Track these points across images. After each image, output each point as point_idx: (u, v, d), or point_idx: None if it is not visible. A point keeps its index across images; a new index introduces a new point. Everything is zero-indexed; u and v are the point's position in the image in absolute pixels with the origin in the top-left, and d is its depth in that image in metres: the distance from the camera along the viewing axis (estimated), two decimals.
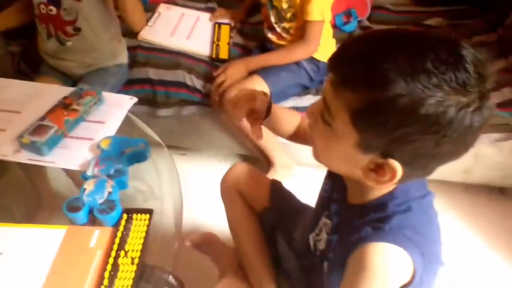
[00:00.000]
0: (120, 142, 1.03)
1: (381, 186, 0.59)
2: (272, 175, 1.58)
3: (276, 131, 0.91)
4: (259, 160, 1.66)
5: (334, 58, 0.57)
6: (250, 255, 0.97)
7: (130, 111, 1.14)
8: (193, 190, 1.63)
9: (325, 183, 0.83)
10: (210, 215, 1.57)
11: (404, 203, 0.62)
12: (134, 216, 0.89)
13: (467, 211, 1.66)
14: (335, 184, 0.76)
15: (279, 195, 1.01)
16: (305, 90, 1.61)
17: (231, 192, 1.03)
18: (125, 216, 0.88)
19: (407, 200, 0.62)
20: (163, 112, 1.61)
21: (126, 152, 1.00)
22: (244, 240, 0.98)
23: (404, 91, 0.49)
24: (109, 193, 0.90)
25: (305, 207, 1.03)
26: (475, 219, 1.64)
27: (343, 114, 0.56)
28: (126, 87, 1.60)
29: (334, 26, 1.82)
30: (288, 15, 1.52)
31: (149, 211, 0.90)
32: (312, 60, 1.57)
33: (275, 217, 0.98)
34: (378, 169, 0.58)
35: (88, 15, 1.42)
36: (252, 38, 1.80)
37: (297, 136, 0.91)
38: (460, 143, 0.54)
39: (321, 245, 0.76)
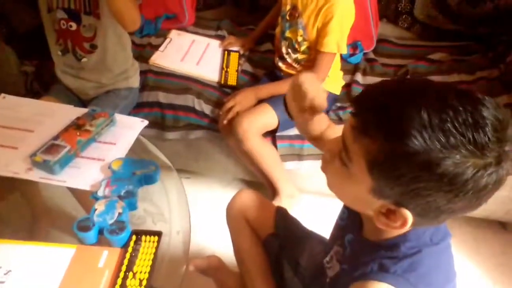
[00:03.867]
0: (131, 164, 1.04)
1: (390, 230, 0.61)
2: (277, 204, 1.58)
3: (306, 129, 0.92)
4: (264, 187, 1.68)
5: (357, 102, 0.58)
6: (255, 281, 0.97)
7: (139, 133, 1.17)
8: (197, 214, 1.63)
9: (342, 211, 0.83)
10: (214, 239, 1.57)
11: (416, 247, 0.63)
12: (143, 238, 0.90)
13: (469, 245, 1.65)
14: (352, 214, 0.77)
15: (284, 221, 1.02)
16: None
17: (238, 219, 1.04)
18: (134, 237, 0.89)
19: (419, 244, 0.63)
20: (171, 135, 1.63)
21: (137, 174, 1.01)
22: (250, 267, 0.99)
23: (422, 148, 0.50)
24: (119, 214, 0.91)
25: (310, 233, 1.04)
26: (477, 253, 1.63)
27: (360, 160, 0.56)
28: (136, 110, 1.63)
29: (340, 57, 1.86)
30: (303, 48, 1.56)
31: (158, 233, 0.91)
32: None
33: (281, 243, 0.99)
34: (389, 214, 0.59)
35: (105, 33, 1.46)
36: (260, 66, 1.83)
37: (318, 141, 0.92)
38: (473, 201, 0.54)
39: (331, 272, 0.77)
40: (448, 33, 2.01)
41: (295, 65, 1.61)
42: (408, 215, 0.56)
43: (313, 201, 1.71)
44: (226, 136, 1.56)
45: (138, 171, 1.02)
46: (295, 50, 1.58)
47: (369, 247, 0.67)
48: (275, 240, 1.00)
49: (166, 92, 1.64)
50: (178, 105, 1.62)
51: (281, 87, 1.57)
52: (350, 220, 0.78)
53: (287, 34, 1.58)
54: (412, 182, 0.52)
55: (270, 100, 1.53)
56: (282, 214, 1.04)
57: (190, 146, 1.68)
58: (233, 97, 1.53)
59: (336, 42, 1.47)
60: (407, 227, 0.58)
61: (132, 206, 0.96)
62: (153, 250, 0.88)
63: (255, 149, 1.48)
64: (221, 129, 1.57)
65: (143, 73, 1.68)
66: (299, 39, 1.55)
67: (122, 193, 0.95)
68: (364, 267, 0.63)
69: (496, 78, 1.78)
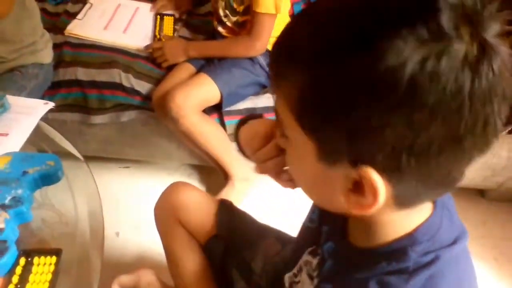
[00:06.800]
0: (23, 160, 0.80)
1: (365, 213, 0.40)
2: (230, 189, 1.38)
3: None
4: (215, 171, 1.45)
5: (273, 48, 0.42)
6: None
7: (58, 120, 0.93)
8: (141, 209, 1.39)
9: (311, 211, 0.63)
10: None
11: (431, 251, 0.42)
12: (36, 259, 0.68)
13: None
14: (326, 212, 0.55)
15: (229, 218, 0.80)
16: (262, 88, 1.41)
17: (168, 220, 0.81)
18: (22, 260, 0.67)
19: (434, 247, 0.43)
20: (98, 119, 1.37)
21: (29, 173, 0.77)
22: (188, 281, 0.77)
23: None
24: (1, 230, 0.67)
25: (265, 229, 0.83)
26: None
27: (289, 116, 0.40)
28: (51, 91, 1.35)
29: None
30: (242, 7, 1.34)
31: (57, 252, 0.69)
32: (268, 54, 1.38)
33: (226, 247, 0.77)
34: (358, 189, 0.39)
35: None
36: (201, 31, 1.58)
37: None
38: (454, 120, 0.33)
39: None
40: None
41: (237, 29, 1.39)
42: (373, 175, 0.36)
43: (274, 183, 1.51)
44: (162, 115, 1.32)
45: (30, 169, 0.78)
46: (234, 12, 1.36)
47: (362, 257, 0.47)
48: (219, 243, 0.77)
49: (86, 67, 1.37)
50: (102, 82, 1.35)
51: (213, 47, 1.41)
52: (324, 222, 0.56)
53: None
54: (346, 108, 0.35)
55: (209, 70, 1.32)
56: (225, 209, 0.81)
57: (123, 130, 1.42)
58: (156, 51, 1.41)
59: (273, 1, 1.24)
60: (381, 198, 0.37)
61: (23, 217, 0.72)
62: (49, 277, 0.65)
63: (195, 129, 1.25)
64: (155, 107, 1.33)
65: (57, 46, 1.41)
66: None
67: (6, 201, 0.71)
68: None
69: None
